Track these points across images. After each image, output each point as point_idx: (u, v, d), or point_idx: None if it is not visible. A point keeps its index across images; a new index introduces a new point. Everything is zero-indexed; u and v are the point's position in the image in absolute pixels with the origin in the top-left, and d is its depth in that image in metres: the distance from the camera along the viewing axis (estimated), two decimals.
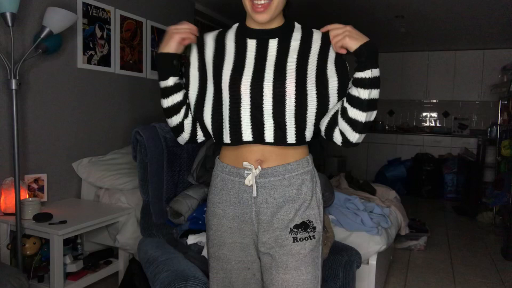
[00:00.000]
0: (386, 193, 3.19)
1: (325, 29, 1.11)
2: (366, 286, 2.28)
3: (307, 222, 1.13)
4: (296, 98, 1.08)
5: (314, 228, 1.14)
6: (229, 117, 1.10)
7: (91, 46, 2.84)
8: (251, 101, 1.08)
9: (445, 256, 3.35)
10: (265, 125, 1.09)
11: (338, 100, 1.14)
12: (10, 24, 2.00)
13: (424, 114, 6.74)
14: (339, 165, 6.19)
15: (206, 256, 1.80)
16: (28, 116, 2.44)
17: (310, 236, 1.13)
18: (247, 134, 1.10)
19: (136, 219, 2.46)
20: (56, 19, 2.14)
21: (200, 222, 2.00)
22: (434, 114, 6.67)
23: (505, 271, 3.06)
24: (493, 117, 5.86)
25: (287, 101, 1.08)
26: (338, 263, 1.92)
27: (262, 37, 1.14)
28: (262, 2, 1.06)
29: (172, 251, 1.81)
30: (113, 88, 3.09)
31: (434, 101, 6.60)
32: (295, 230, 1.12)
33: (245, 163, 1.11)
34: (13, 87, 2.08)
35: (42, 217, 2.15)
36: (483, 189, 4.65)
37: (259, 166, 1.11)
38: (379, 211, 2.52)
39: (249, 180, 1.11)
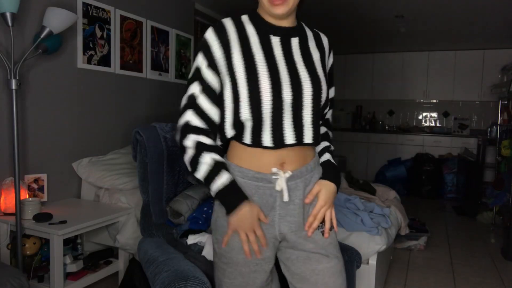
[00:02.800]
0: (386, 193, 3.19)
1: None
2: (366, 286, 2.28)
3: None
4: (326, 100, 1.16)
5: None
6: (271, 120, 1.07)
7: (91, 46, 2.84)
8: (292, 103, 1.08)
9: (445, 256, 3.35)
10: (305, 127, 1.12)
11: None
12: (10, 24, 2.00)
13: (424, 114, 6.74)
14: (339, 165, 6.16)
15: (206, 256, 1.80)
16: (28, 116, 2.44)
17: (332, 226, 1.21)
18: (289, 136, 1.10)
19: (136, 219, 2.46)
20: (56, 19, 2.14)
21: (200, 222, 2.00)
22: (434, 114, 6.67)
23: (505, 271, 3.06)
24: (493, 117, 5.86)
25: (321, 102, 1.13)
26: None
27: (285, 35, 1.14)
28: None
29: (172, 251, 1.81)
30: (113, 88, 3.09)
31: (434, 101, 6.59)
32: (321, 224, 1.18)
33: (274, 169, 1.10)
34: (13, 87, 2.08)
35: (42, 217, 2.14)
36: (483, 189, 4.65)
37: (288, 171, 1.11)
38: (379, 211, 2.52)
39: (280, 185, 1.11)
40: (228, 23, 1.12)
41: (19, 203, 2.10)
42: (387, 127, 6.87)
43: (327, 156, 1.26)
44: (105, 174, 2.62)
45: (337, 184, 1.22)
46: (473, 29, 4.83)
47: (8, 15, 1.98)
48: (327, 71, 1.22)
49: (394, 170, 5.84)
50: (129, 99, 3.26)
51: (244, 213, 1.07)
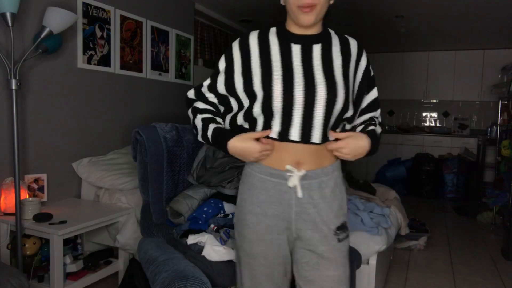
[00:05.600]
0: (386, 193, 3.19)
1: (331, 147, 1.17)
2: (366, 286, 2.28)
3: (344, 223, 1.23)
4: (343, 104, 1.17)
5: (347, 227, 1.25)
6: (282, 114, 1.14)
7: (91, 46, 2.84)
8: (304, 103, 1.13)
9: (445, 256, 3.35)
10: (314, 127, 1.15)
11: (354, 107, 1.25)
12: (10, 24, 2.00)
13: (424, 114, 6.74)
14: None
15: (206, 256, 1.80)
16: (28, 116, 2.44)
17: (347, 235, 1.24)
18: (295, 133, 1.15)
19: (136, 219, 2.46)
20: (56, 19, 2.14)
21: (200, 222, 2.00)
22: (434, 114, 6.67)
23: (505, 271, 3.06)
24: (493, 117, 5.86)
25: (336, 107, 1.15)
26: None
27: (306, 42, 1.18)
28: (309, 1, 1.09)
29: (172, 251, 1.81)
30: (113, 88, 3.09)
31: (434, 101, 6.59)
32: (338, 231, 1.21)
33: (288, 167, 1.16)
34: (13, 87, 2.08)
35: (42, 217, 2.14)
36: (483, 189, 4.65)
37: (301, 169, 1.16)
38: (379, 211, 2.52)
39: (293, 182, 1.16)
40: (253, 38, 1.22)
41: (19, 203, 2.10)
42: (387, 127, 6.87)
43: (372, 127, 1.27)
44: (105, 174, 2.62)
45: (372, 147, 1.20)
46: (473, 29, 4.83)
47: (8, 15, 1.98)
48: (358, 74, 1.25)
49: (394, 170, 5.84)
50: (129, 99, 3.26)
51: (234, 145, 1.17)
